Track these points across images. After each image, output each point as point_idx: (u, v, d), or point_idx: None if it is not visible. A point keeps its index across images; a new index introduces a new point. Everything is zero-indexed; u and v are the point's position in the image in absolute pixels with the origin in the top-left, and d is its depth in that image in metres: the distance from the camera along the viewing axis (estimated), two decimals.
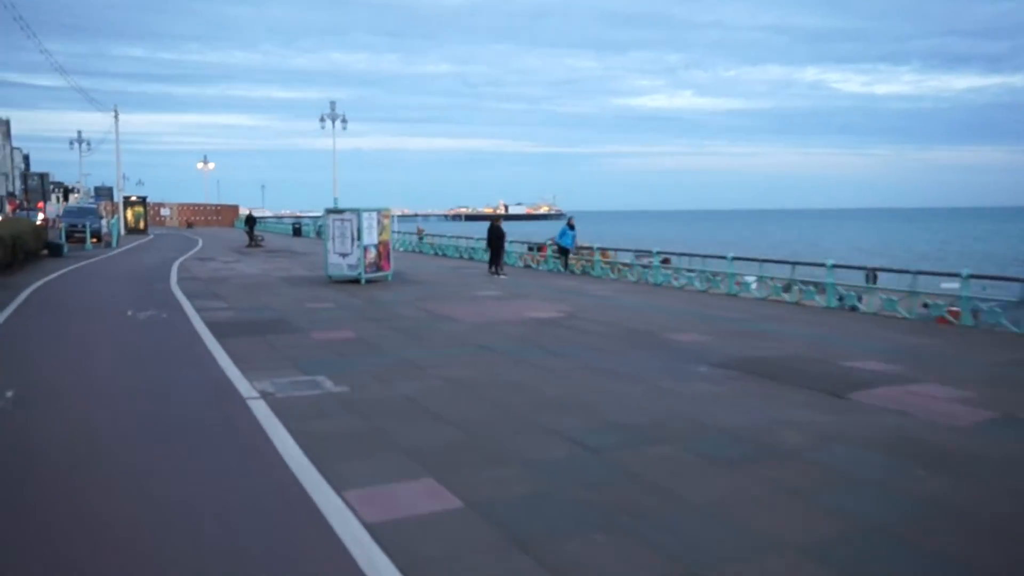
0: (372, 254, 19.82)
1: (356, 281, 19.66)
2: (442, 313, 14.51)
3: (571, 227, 24.86)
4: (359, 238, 19.70)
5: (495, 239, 23.12)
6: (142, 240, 44.94)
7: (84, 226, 40.51)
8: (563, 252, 25.02)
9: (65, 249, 30.64)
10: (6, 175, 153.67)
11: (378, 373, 9.22)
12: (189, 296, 16.93)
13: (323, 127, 53.23)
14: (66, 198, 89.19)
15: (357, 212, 19.83)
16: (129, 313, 14.36)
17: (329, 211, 20.78)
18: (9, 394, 8.10)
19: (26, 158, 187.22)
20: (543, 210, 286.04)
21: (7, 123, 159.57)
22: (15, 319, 13.56)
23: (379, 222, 20.06)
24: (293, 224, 56.09)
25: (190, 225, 73.30)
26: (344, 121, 53.50)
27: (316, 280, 20.73)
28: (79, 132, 76.51)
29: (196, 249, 36.04)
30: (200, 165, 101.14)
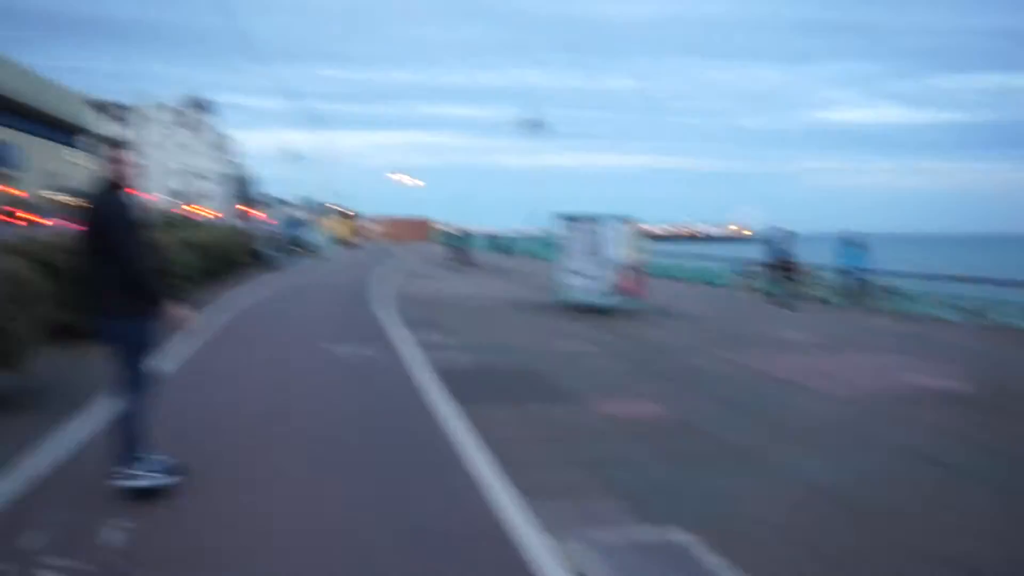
0: (620, 276, 15.15)
1: (598, 309, 15.05)
2: (761, 368, 9.62)
3: (857, 246, 19.02)
4: (605, 254, 15.13)
5: (783, 262, 17.86)
6: (348, 253, 43.39)
7: (296, 236, 39.24)
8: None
9: (276, 261, 28.57)
10: (227, 188, 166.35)
11: (786, 521, 4.49)
12: (401, 323, 13.15)
13: (523, 135, 49.97)
14: (280, 209, 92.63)
15: (601, 221, 15.31)
16: (323, 346, 10.56)
17: (566, 218, 16.39)
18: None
19: (253, 178, 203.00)
20: (731, 230, 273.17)
21: (227, 138, 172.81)
22: (191, 347, 10.04)
23: (626, 235, 15.37)
24: (493, 239, 53.10)
25: (391, 238, 72.96)
26: (543, 126, 50.01)
27: (547, 306, 16.46)
28: (291, 145, 78.82)
29: (401, 263, 33.22)
30: (402, 178, 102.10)
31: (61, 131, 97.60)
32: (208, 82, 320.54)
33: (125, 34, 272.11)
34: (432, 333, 12.03)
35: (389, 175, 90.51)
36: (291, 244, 36.15)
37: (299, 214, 52.34)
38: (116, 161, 4.60)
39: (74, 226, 4.99)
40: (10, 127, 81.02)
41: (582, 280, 15.70)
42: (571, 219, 16.31)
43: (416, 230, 79.35)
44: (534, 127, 49.89)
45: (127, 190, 4.62)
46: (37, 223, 39.69)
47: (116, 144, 4.74)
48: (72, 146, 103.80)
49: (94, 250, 4.48)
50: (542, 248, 46.40)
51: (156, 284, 4.53)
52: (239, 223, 45.98)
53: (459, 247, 36.24)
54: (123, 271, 4.40)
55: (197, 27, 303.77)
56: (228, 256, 21.85)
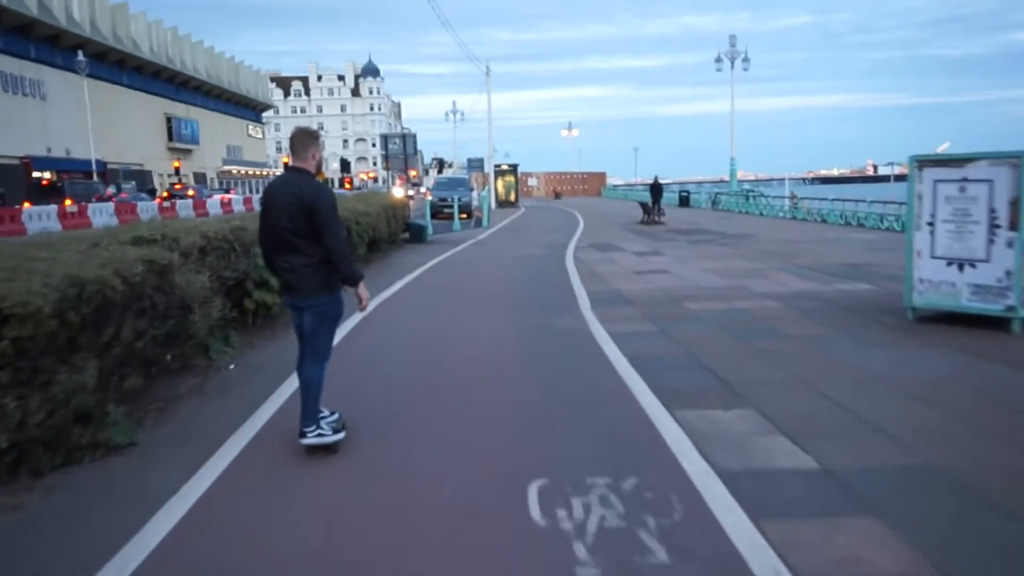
0: None
1: (970, 319, 7.83)
2: None
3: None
4: (1006, 226, 7.78)
5: None
6: (514, 215, 37.06)
7: (452, 200, 33.56)
8: None
9: (429, 231, 22.67)
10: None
11: None
12: (643, 366, 6.97)
13: (719, 69, 41.46)
14: (440, 171, 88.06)
15: (997, 166, 7.93)
16: (513, 464, 4.44)
17: (926, 161, 8.97)
18: None
19: (414, 137, 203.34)
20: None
21: (399, 105, 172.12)
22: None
23: None
24: (680, 192, 45.13)
25: (558, 195, 66.34)
26: (747, 60, 41.21)
27: (868, 309, 9.26)
28: (453, 103, 73.79)
29: (580, 230, 26.47)
30: (564, 133, 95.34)
31: (245, 107, 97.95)
32: (384, 52, 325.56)
33: (306, 17, 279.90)
34: (701, 393, 5.83)
35: (561, 132, 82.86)
36: (444, 209, 30.52)
37: (459, 175, 46.66)
38: (309, 149, 4.82)
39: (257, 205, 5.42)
40: (193, 104, 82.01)
41: (957, 272, 8.33)
42: (935, 162, 8.94)
43: (588, 184, 72.30)
44: (735, 60, 41.14)
45: (319, 175, 4.87)
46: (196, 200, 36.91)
47: (309, 133, 4.92)
48: (258, 121, 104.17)
49: (295, 233, 4.69)
50: (745, 202, 38.18)
51: (352, 266, 4.83)
52: (396, 190, 41.07)
53: (653, 203, 29.37)
54: (327, 253, 4.70)
55: (371, 4, 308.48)
56: (374, 234, 16.04)
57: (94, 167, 50.10)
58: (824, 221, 29.37)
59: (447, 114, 73.35)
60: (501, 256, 18.03)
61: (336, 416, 5.10)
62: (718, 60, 41.65)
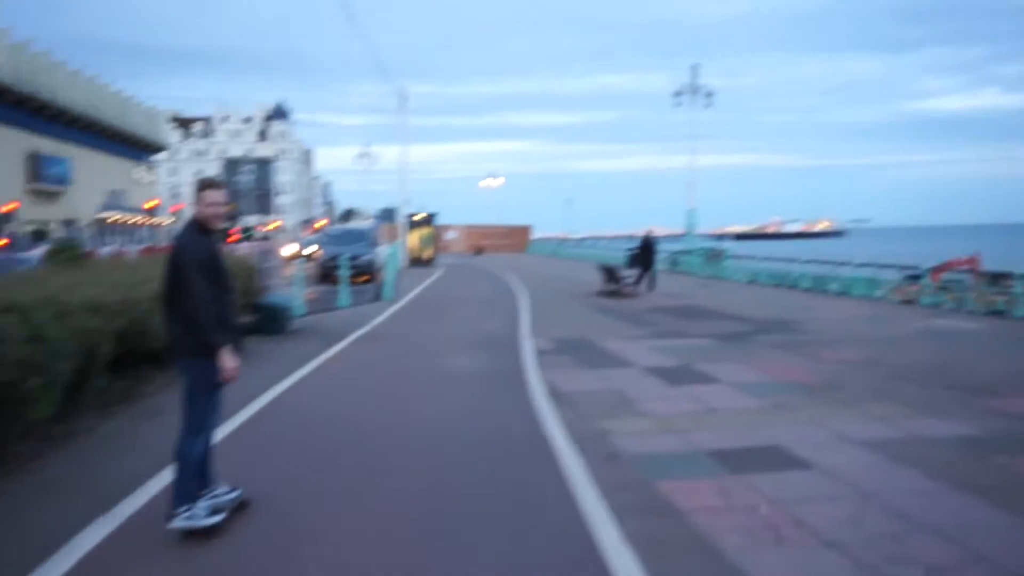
0: None
1: None
2: None
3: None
4: None
5: None
6: (429, 279, 28.39)
7: (345, 260, 24.90)
8: None
9: (295, 312, 13.91)
10: (306, 201, 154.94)
11: None
12: None
13: (680, 103, 34.52)
14: (345, 221, 78.43)
15: None
16: None
17: None
18: None
19: (326, 186, 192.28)
20: (821, 227, 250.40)
21: (309, 152, 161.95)
22: None
23: None
24: (629, 251, 37.46)
25: (479, 251, 58.18)
26: (709, 95, 34.45)
27: None
28: (365, 144, 65.14)
29: (527, 306, 18.08)
30: (485, 183, 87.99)
31: (133, 147, 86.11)
32: (296, 100, 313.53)
33: (218, 61, 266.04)
34: None
35: (482, 182, 74.82)
36: (335, 271, 21.89)
37: (360, 225, 37.90)
38: (203, 201, 4.37)
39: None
40: (69, 139, 70.55)
41: None
42: None
43: (513, 239, 64.41)
44: (699, 94, 34.30)
45: (211, 230, 4.40)
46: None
47: (206, 184, 4.44)
48: (147, 162, 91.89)
49: (170, 288, 4.31)
50: (709, 263, 30.81)
51: (206, 333, 4.18)
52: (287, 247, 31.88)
53: (643, 271, 21.61)
54: (185, 311, 4.22)
55: (285, 50, 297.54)
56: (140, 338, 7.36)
57: None
58: (794, 287, 22.69)
59: (357, 157, 64.62)
60: (404, 379, 9.43)
61: (233, 495, 4.58)
62: (677, 94, 34.74)
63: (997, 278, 18.36)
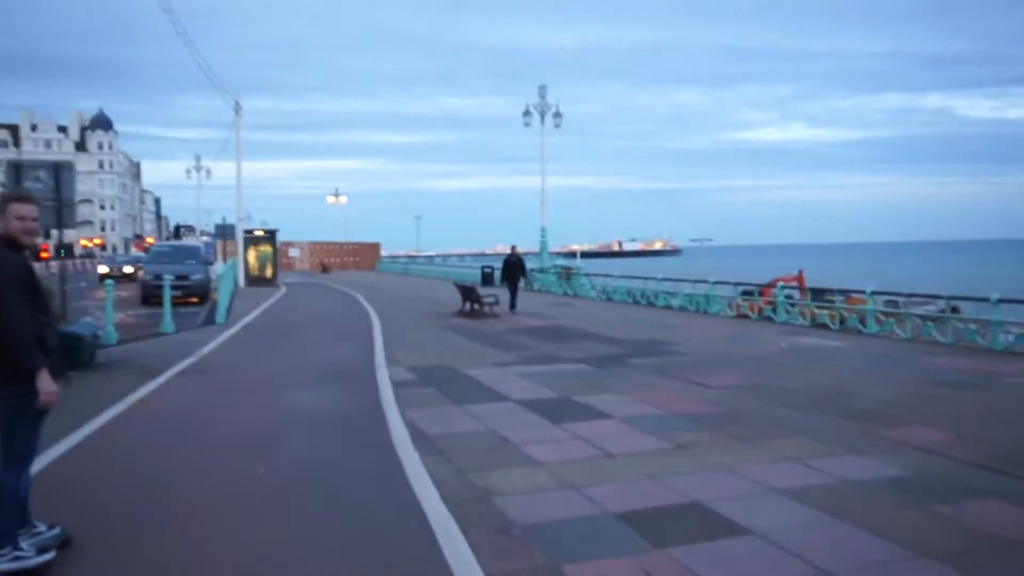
0: None
1: None
2: None
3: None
4: None
5: None
6: (271, 299, 25.97)
7: (170, 280, 22.35)
8: None
9: (98, 342, 11.63)
10: (134, 217, 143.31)
11: None
12: None
13: (528, 123, 34.07)
14: (176, 238, 72.72)
15: None
16: None
17: None
18: None
19: (157, 201, 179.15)
20: (658, 246, 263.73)
21: (137, 165, 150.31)
22: None
23: None
24: (483, 268, 36.49)
25: (326, 269, 55.49)
26: (558, 115, 34.24)
27: None
28: (197, 157, 60.69)
29: (378, 329, 16.58)
30: (331, 199, 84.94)
31: None
32: (121, 112, 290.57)
33: (28, 67, 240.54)
34: None
35: (327, 199, 71.48)
36: (158, 291, 19.37)
37: (191, 242, 34.58)
38: (12, 215, 3.98)
39: None
40: None
41: None
42: None
43: (360, 257, 62.01)
44: (548, 115, 33.97)
45: (21, 246, 4.04)
46: None
47: (13, 197, 4.13)
48: None
49: None
50: (564, 281, 30.41)
51: (25, 353, 3.87)
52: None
53: (512, 287, 20.41)
54: None
55: (106, 59, 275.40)
56: None
57: None
58: (651, 304, 22.67)
59: (189, 171, 59.85)
60: (234, 427, 7.67)
61: (54, 532, 4.23)
62: (527, 114, 34.27)
63: (820, 293, 19.94)
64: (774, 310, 18.51)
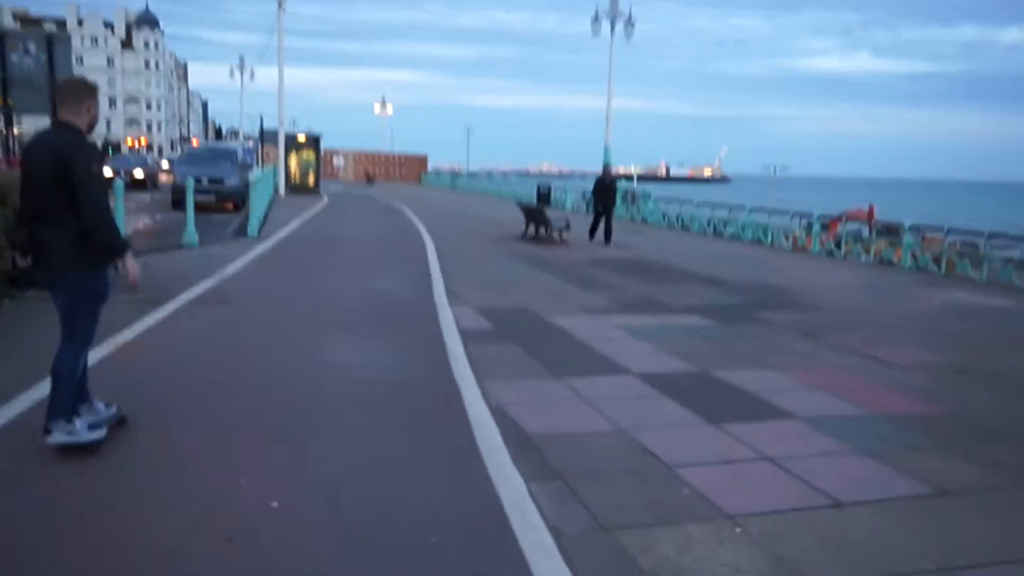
0: None
1: None
2: None
3: None
4: None
5: None
6: (311, 210, 23.65)
7: (209, 184, 20.27)
8: None
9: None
10: (180, 118, 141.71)
11: None
12: None
13: (598, 30, 30.57)
14: (219, 139, 70.35)
15: None
16: None
17: None
18: None
19: (204, 104, 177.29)
20: (707, 173, 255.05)
21: (184, 66, 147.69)
22: None
23: None
24: (539, 187, 33.65)
25: (370, 179, 53.10)
26: (631, 24, 30.64)
27: None
28: (240, 58, 57.87)
29: (432, 253, 14.19)
30: (377, 109, 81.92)
31: None
32: (167, 12, 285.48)
33: None
34: None
35: (374, 108, 68.21)
36: (208, 196, 17.52)
37: (228, 144, 32.17)
38: (84, 101, 3.98)
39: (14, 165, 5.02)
40: None
41: None
42: None
43: (407, 168, 59.45)
44: (615, 23, 30.40)
45: (84, 134, 4.02)
46: None
47: (87, 83, 4.11)
48: None
49: (47, 196, 3.90)
50: (630, 205, 27.51)
51: (113, 235, 4.00)
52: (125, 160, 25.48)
53: (602, 214, 16.80)
54: (80, 220, 3.87)
55: None
56: None
57: None
58: (736, 237, 19.84)
59: (232, 71, 57.17)
60: (240, 406, 5.35)
61: (110, 412, 4.38)
62: (595, 20, 30.74)
63: (893, 231, 17.32)
64: (837, 245, 16.87)
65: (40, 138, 4.14)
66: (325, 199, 29.40)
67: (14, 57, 9.34)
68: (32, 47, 9.55)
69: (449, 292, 9.64)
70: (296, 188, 31.99)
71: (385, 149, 65.80)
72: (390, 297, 9.20)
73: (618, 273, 12.25)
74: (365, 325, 7.63)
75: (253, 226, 15.17)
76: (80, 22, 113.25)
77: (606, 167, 17.69)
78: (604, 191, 16.94)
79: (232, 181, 21.05)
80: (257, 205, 16.51)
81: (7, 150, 18.30)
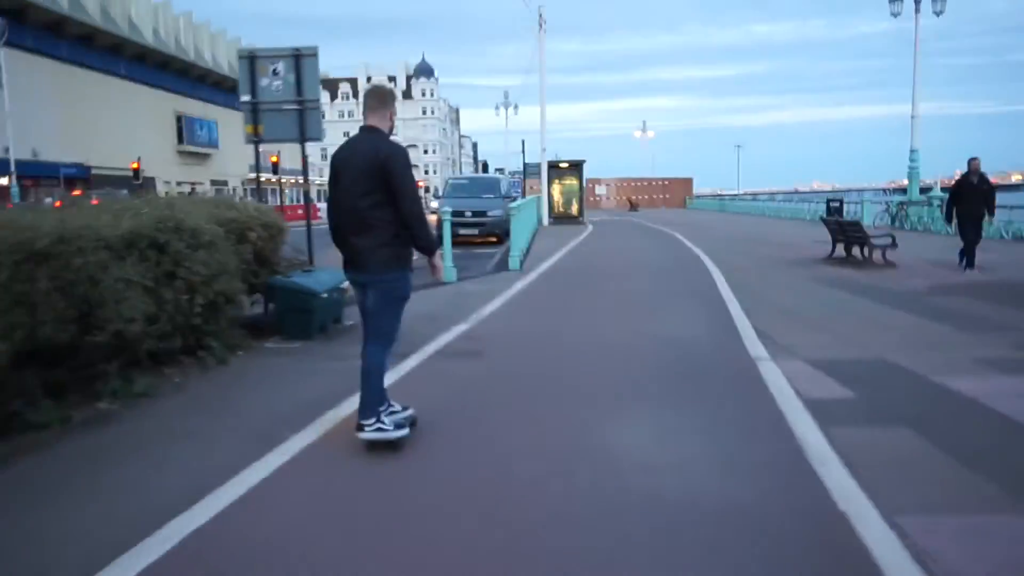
0: None
1: None
2: None
3: None
4: None
5: None
6: (576, 239, 22.07)
7: (472, 217, 19.60)
8: None
9: (335, 302, 8.07)
10: (453, 160, 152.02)
11: None
12: None
13: (898, 12, 25.98)
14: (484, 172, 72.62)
15: None
16: None
17: None
18: None
19: (474, 146, 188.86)
20: (1015, 179, 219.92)
21: (456, 111, 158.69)
22: None
23: None
24: (830, 201, 29.29)
25: (633, 206, 51.32)
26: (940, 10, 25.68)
27: None
28: (505, 93, 59.55)
29: (729, 282, 11.58)
30: (637, 134, 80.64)
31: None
32: (439, 62, 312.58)
33: (359, 26, 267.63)
34: None
35: (634, 134, 67.06)
36: (459, 230, 16.70)
37: (490, 174, 31.98)
38: (388, 107, 4.32)
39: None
40: (212, 101, 70.14)
41: None
42: None
43: (671, 192, 56.96)
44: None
45: (387, 134, 4.31)
46: None
47: (388, 90, 4.49)
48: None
49: (366, 199, 4.08)
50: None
51: (432, 234, 4.35)
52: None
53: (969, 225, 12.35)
54: (401, 221, 4.10)
55: (425, 12, 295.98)
56: None
57: (61, 172, 39.26)
58: None
59: (497, 106, 59.05)
60: (483, 528, 3.33)
61: (407, 413, 4.48)
62: (893, 1, 26.16)
63: None
64: None
65: (351, 144, 4.26)
66: (590, 227, 27.87)
67: (263, 82, 8.57)
68: (281, 68, 8.73)
69: (762, 336, 7.10)
70: (560, 217, 30.91)
71: (647, 174, 63.87)
72: (684, 345, 6.89)
73: (996, 304, 8.79)
74: (658, 391, 5.40)
75: (515, 259, 13.71)
76: (369, 79, 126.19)
77: (972, 162, 12.47)
78: (971, 196, 12.31)
79: (495, 213, 20.12)
80: (519, 236, 15.12)
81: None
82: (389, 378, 5.67)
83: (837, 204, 28.66)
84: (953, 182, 12.05)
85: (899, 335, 7.14)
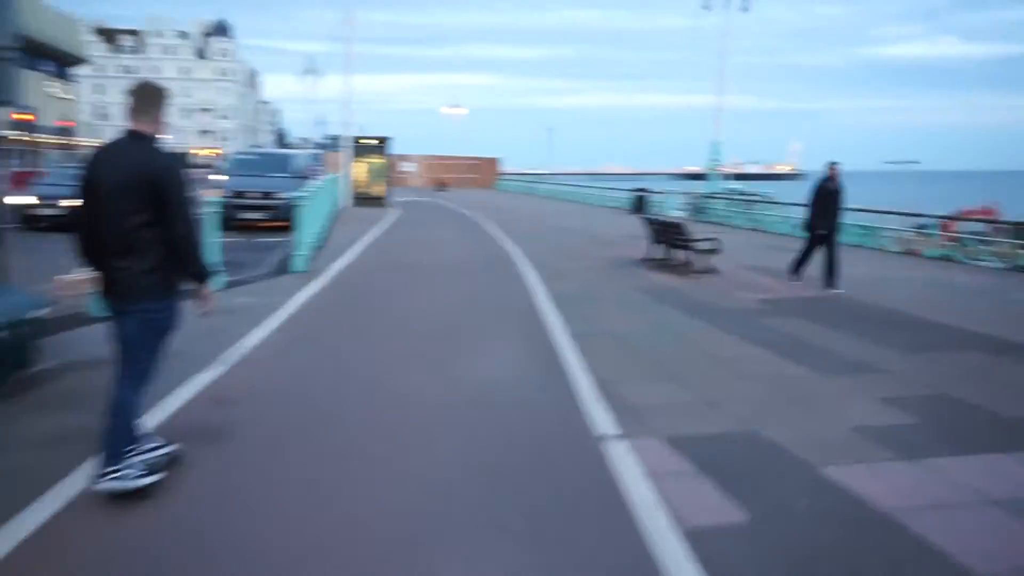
0: None
1: None
2: None
3: None
4: None
5: None
6: (380, 227, 19.96)
7: (258, 197, 17.15)
8: None
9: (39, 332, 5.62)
10: (252, 128, 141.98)
11: None
12: None
13: (708, 6, 26.16)
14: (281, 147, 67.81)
15: None
16: None
17: None
18: None
19: (275, 113, 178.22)
20: (781, 170, 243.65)
21: (255, 75, 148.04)
22: None
23: None
24: (637, 191, 29.19)
25: (443, 186, 49.63)
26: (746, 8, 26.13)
27: None
28: (310, 59, 55.29)
29: (549, 292, 10.15)
30: (446, 110, 79.10)
31: (45, 58, 74.02)
32: (239, 22, 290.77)
33: None
34: None
35: (444, 109, 65.09)
36: (236, 212, 14.28)
37: (282, 150, 28.89)
38: (158, 107, 3.65)
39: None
40: None
41: None
42: None
43: (480, 172, 55.86)
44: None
45: (157, 141, 3.65)
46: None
47: (159, 89, 3.73)
48: (62, 77, 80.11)
49: (130, 218, 3.46)
50: (744, 210, 23.13)
51: (204, 259, 3.73)
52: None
53: (816, 242, 11.24)
54: (173, 244, 3.55)
55: None
56: None
57: None
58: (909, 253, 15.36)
59: (302, 75, 54.64)
60: None
61: (168, 450, 3.97)
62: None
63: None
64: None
65: (112, 151, 3.63)
66: (396, 211, 25.76)
67: None
68: None
69: (603, 388, 5.64)
70: (362, 198, 28.50)
71: (457, 152, 62.33)
72: (500, 407, 5.24)
73: (829, 327, 8.00)
74: (469, 508, 3.69)
75: (300, 258, 11.45)
76: (158, 33, 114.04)
77: (832, 167, 11.11)
78: (827, 202, 11.11)
79: (285, 195, 17.54)
80: (309, 228, 12.85)
81: None
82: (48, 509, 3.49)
83: (643, 194, 28.75)
84: (813, 189, 11.07)
85: (758, 386, 5.95)
